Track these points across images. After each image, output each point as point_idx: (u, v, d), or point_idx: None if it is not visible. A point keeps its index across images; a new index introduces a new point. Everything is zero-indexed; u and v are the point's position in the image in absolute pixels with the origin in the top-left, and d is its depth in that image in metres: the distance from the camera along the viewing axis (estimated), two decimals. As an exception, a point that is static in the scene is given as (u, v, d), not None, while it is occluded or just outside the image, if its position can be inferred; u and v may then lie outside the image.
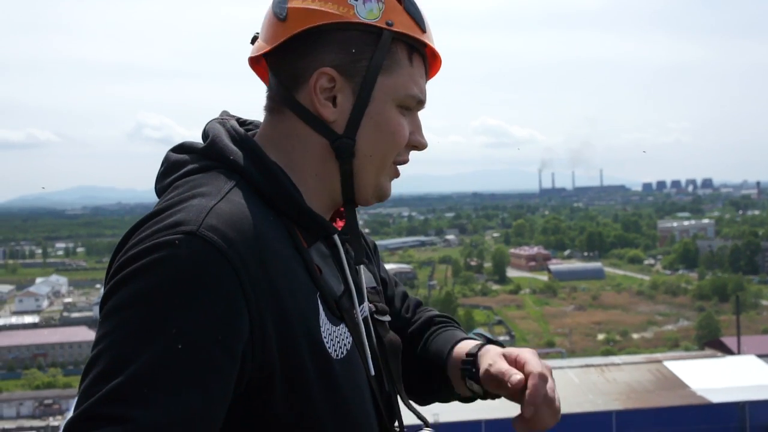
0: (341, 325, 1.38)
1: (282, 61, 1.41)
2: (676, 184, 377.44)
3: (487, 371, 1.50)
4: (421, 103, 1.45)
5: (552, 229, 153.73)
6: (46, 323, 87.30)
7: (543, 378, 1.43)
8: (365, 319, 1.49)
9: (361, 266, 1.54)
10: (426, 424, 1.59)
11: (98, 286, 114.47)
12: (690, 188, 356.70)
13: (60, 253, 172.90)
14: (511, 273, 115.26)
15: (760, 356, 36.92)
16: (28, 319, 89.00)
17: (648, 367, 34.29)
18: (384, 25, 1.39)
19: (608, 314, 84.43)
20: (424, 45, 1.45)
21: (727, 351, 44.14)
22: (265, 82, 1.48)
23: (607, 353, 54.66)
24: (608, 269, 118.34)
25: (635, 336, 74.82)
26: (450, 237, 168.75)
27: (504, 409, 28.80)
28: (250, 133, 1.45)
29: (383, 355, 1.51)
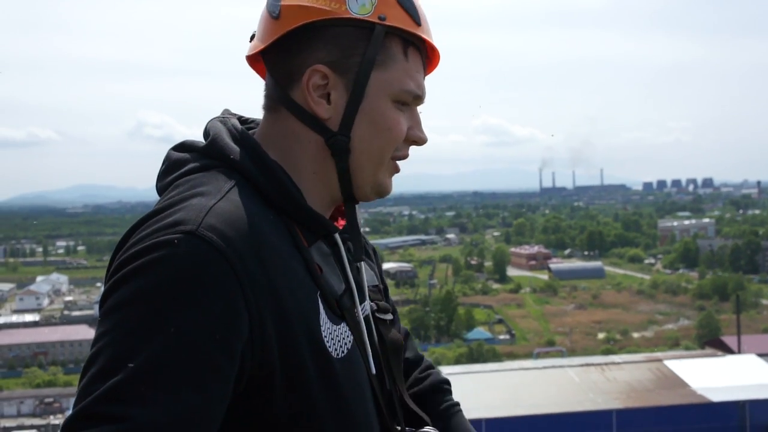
0: (342, 324, 1.37)
1: (276, 59, 1.41)
2: (676, 183, 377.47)
3: None
4: (418, 98, 1.44)
5: (552, 228, 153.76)
6: (46, 321, 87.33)
7: None
8: (366, 318, 1.47)
9: (363, 265, 1.52)
10: (427, 423, 1.59)
11: (99, 284, 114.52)
12: (690, 187, 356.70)
13: (60, 251, 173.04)
14: (512, 272, 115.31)
15: (760, 355, 36.92)
16: (29, 317, 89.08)
17: (648, 366, 34.30)
18: (376, 20, 1.37)
19: (608, 313, 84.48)
20: (420, 39, 1.43)
21: (727, 350, 44.17)
22: (265, 81, 1.48)
23: (608, 352, 54.70)
24: (609, 268, 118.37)
25: (635, 335, 74.86)
26: (450, 236, 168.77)
27: (505, 408, 28.86)
28: (250, 131, 1.45)
29: (384, 354, 1.50)
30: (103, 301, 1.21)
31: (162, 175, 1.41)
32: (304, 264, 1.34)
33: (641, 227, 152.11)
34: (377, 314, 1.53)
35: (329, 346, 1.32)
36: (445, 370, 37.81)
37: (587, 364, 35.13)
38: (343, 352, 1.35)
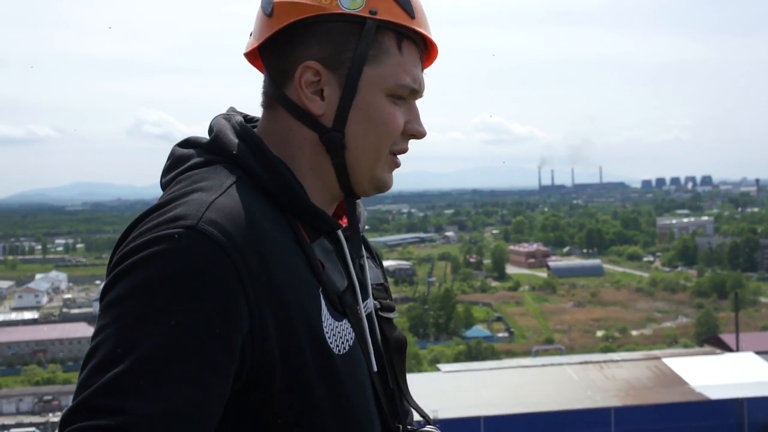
0: (344, 321, 1.37)
1: (271, 56, 1.41)
2: (675, 181, 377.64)
3: None
4: (415, 92, 1.42)
5: (551, 226, 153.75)
6: (45, 319, 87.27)
7: None
8: (369, 315, 1.47)
9: (368, 263, 1.52)
10: (429, 421, 1.58)
11: (98, 282, 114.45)
12: (689, 185, 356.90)
13: (59, 249, 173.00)
14: (511, 270, 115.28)
15: (758, 353, 37.01)
16: (28, 315, 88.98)
17: (647, 364, 34.38)
18: (367, 14, 1.37)
19: (607, 311, 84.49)
20: (415, 32, 1.41)
21: (725, 348, 44.26)
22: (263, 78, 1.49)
23: (606, 350, 54.80)
24: (607, 266, 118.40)
25: (634, 333, 74.88)
26: (449, 234, 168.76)
27: (503, 406, 28.92)
28: (255, 130, 1.45)
29: (387, 351, 1.49)
30: (103, 295, 1.21)
31: (166, 170, 1.42)
32: (306, 260, 1.33)
33: (640, 225, 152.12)
34: (381, 312, 1.52)
35: (330, 342, 1.32)
36: (444, 368, 37.85)
37: (586, 362, 35.21)
38: (344, 348, 1.35)
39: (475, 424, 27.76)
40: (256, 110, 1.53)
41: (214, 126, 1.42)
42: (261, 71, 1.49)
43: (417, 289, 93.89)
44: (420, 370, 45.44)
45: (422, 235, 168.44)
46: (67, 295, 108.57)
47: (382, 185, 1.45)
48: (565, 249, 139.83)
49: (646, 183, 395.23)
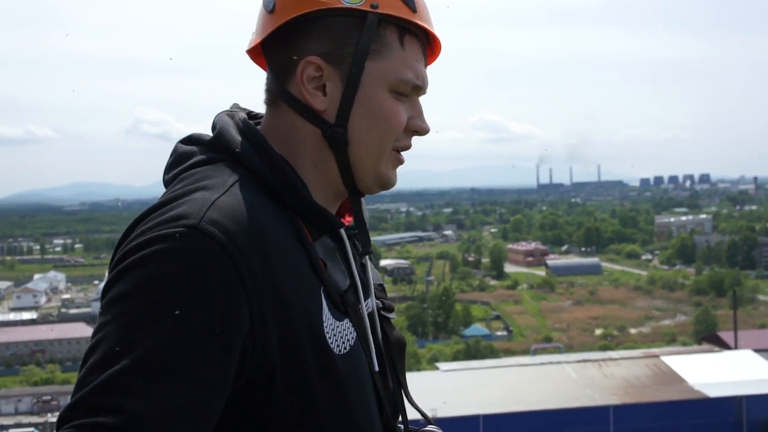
0: (345, 320, 1.36)
1: (273, 52, 1.41)
2: (673, 179, 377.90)
3: None
4: (417, 88, 1.41)
5: (549, 224, 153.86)
6: (44, 319, 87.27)
7: None
8: (371, 315, 1.46)
9: (369, 263, 1.52)
10: (429, 421, 1.58)
11: (96, 282, 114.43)
12: (687, 184, 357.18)
13: (58, 249, 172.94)
14: (509, 268, 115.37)
15: (756, 351, 37.05)
16: (26, 315, 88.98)
17: (645, 362, 34.42)
18: (368, 8, 1.36)
19: (606, 309, 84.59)
20: (417, 26, 1.40)
21: (724, 346, 44.27)
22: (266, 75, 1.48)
23: (605, 348, 54.81)
24: (606, 264, 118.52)
25: (633, 331, 74.98)
26: (448, 232, 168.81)
27: (501, 404, 28.93)
28: (258, 127, 1.44)
29: (388, 351, 1.49)
30: (104, 293, 1.21)
31: (169, 167, 1.41)
32: (308, 259, 1.32)
33: (638, 223, 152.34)
34: (382, 312, 1.52)
35: (331, 342, 1.31)
36: (443, 367, 37.88)
37: (584, 360, 35.23)
38: (345, 348, 1.34)
39: (474, 423, 27.77)
40: (256, 109, 1.53)
41: (217, 123, 1.41)
42: (264, 69, 1.47)
43: (415, 288, 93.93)
44: (419, 369, 45.48)
45: (421, 234, 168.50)
46: (66, 296, 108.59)
47: (386, 182, 1.44)
48: (564, 247, 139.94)
49: (645, 181, 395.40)
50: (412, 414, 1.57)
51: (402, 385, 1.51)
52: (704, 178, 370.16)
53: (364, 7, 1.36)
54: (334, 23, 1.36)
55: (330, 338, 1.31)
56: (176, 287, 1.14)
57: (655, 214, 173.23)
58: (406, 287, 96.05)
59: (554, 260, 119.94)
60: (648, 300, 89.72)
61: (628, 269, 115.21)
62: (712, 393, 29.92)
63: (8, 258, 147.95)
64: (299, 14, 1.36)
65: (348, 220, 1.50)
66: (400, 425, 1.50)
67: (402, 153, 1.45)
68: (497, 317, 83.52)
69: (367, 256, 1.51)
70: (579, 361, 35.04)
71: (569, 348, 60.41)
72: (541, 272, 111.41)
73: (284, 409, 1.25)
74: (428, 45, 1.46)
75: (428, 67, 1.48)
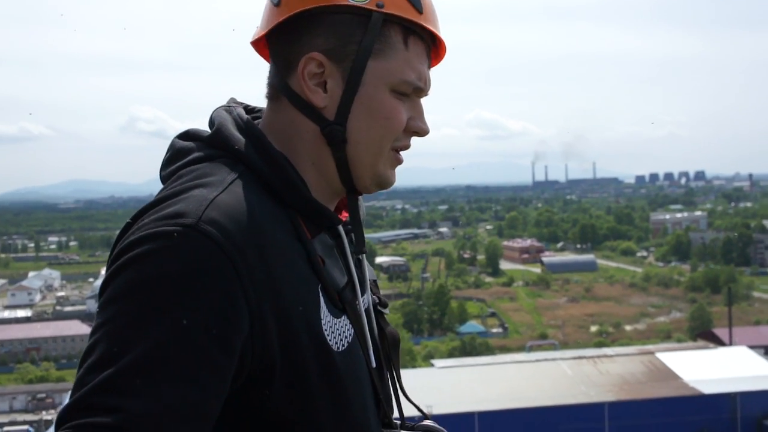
0: (343, 317, 1.36)
1: (277, 46, 1.40)
2: (668, 176, 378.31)
3: None
4: (419, 89, 1.41)
5: (545, 221, 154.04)
6: (38, 317, 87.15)
7: None
8: (367, 311, 1.46)
9: (365, 258, 1.52)
10: (425, 416, 1.58)
11: (91, 279, 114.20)
12: (683, 181, 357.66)
13: (53, 246, 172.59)
14: (504, 265, 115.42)
15: (751, 347, 37.13)
16: (21, 313, 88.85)
17: (640, 359, 34.42)
18: (374, 7, 1.35)
19: (601, 306, 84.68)
20: (422, 28, 1.39)
21: (719, 342, 44.36)
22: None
23: (600, 345, 54.81)
24: (601, 261, 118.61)
25: (628, 328, 75.06)
26: (443, 229, 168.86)
27: (497, 401, 28.92)
28: (256, 121, 1.43)
29: (385, 347, 1.50)
30: (102, 290, 1.20)
31: (166, 163, 1.40)
32: (306, 256, 1.32)
33: (633, 220, 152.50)
34: (378, 307, 1.52)
35: (329, 340, 1.31)
36: (438, 364, 37.85)
37: (580, 357, 35.22)
38: (343, 345, 1.34)
39: (470, 420, 27.76)
40: (253, 105, 1.52)
41: (216, 119, 1.40)
42: (267, 60, 1.47)
43: (411, 285, 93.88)
44: (414, 366, 45.43)
45: (416, 231, 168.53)
46: (60, 293, 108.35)
47: (384, 181, 1.43)
48: (559, 244, 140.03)
49: (640, 178, 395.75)
50: (410, 411, 1.58)
51: (397, 380, 1.52)
52: (699, 175, 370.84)
53: (369, 5, 1.35)
54: (338, 20, 1.35)
55: (328, 335, 1.31)
56: (174, 287, 1.14)
57: (651, 211, 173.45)
58: (402, 284, 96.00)
59: (549, 257, 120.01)
60: (643, 297, 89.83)
61: (623, 266, 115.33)
62: (707, 389, 29.96)
63: (3, 255, 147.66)
64: (304, 9, 1.35)
65: (344, 216, 1.50)
66: (396, 420, 1.51)
67: (400, 152, 1.45)
68: (493, 314, 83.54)
69: (364, 253, 1.51)
70: (574, 358, 35.02)
71: (564, 345, 60.44)
72: (537, 269, 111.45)
73: (283, 407, 1.25)
74: (433, 47, 1.45)
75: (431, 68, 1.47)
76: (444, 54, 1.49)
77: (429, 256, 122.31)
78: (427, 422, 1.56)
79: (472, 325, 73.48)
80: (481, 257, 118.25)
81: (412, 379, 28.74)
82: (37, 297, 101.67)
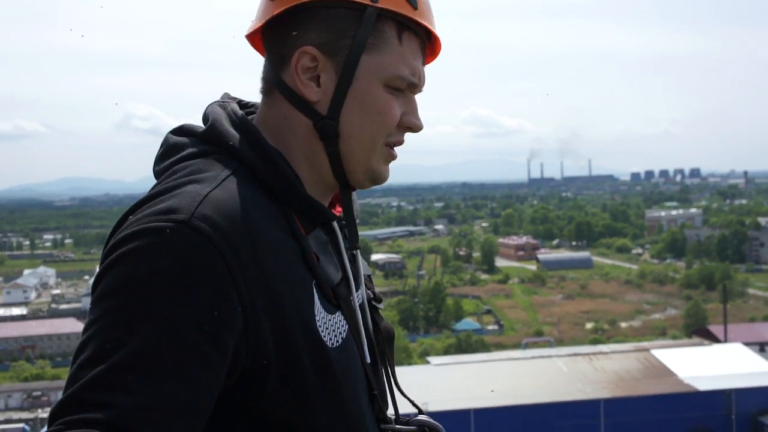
0: (337, 313, 1.36)
1: (271, 40, 1.39)
2: (664, 173, 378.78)
3: None
4: (413, 85, 1.40)
5: (540, 218, 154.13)
6: (34, 315, 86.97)
7: None
8: (362, 307, 1.46)
9: (359, 253, 1.51)
10: (420, 411, 1.57)
11: (86, 277, 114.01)
12: (678, 178, 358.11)
13: (48, 244, 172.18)
14: (500, 262, 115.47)
15: (746, 344, 37.16)
16: (16, 311, 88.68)
17: (636, 356, 34.44)
18: (368, 2, 1.34)
19: (596, 303, 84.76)
20: (417, 23, 1.39)
21: (714, 339, 44.39)
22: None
23: (596, 342, 54.88)
24: (596, 258, 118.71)
25: (623, 325, 75.14)
26: (439, 227, 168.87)
27: (492, 398, 28.93)
28: (250, 117, 1.43)
29: (379, 342, 1.49)
30: (95, 285, 1.20)
31: (159, 158, 1.39)
32: (301, 253, 1.32)
33: (629, 217, 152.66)
34: (373, 302, 1.52)
35: (324, 336, 1.31)
36: (434, 361, 37.85)
37: (575, 354, 35.23)
38: (337, 341, 1.34)
39: (466, 417, 27.77)
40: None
41: (210, 114, 1.39)
42: (262, 55, 1.46)
43: (407, 282, 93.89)
44: (410, 363, 45.45)
45: (412, 228, 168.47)
46: (56, 291, 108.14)
47: (378, 177, 1.42)
48: (555, 242, 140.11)
49: (635, 175, 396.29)
50: (406, 406, 1.58)
51: (392, 375, 1.51)
52: (695, 173, 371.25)
53: (363, 0, 1.34)
54: (332, 14, 1.34)
55: (322, 331, 1.31)
56: (166, 283, 1.14)
57: (646, 209, 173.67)
58: (398, 282, 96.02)
59: (545, 254, 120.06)
60: (638, 294, 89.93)
61: (618, 263, 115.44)
62: (702, 386, 29.99)
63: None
64: (299, 3, 1.35)
65: (338, 211, 1.49)
66: (391, 416, 1.51)
67: (396, 149, 1.44)
68: (488, 311, 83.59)
69: (358, 248, 1.50)
70: (570, 355, 35.02)
71: (560, 342, 60.48)
72: (532, 266, 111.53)
73: (278, 403, 1.25)
74: (428, 43, 1.45)
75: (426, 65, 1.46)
76: (439, 50, 1.48)
77: (425, 254, 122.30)
78: (421, 417, 1.55)
79: (468, 323, 73.47)
80: (476, 254, 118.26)
81: (408, 376, 28.73)
82: (33, 295, 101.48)
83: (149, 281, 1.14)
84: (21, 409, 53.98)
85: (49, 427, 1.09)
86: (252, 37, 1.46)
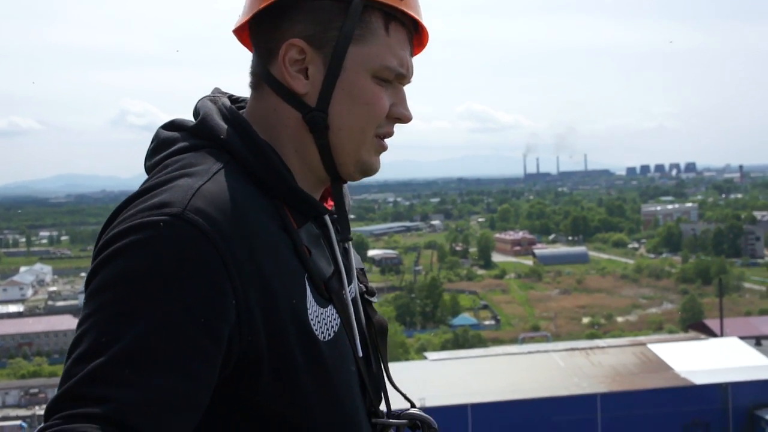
0: (329, 307, 1.36)
1: (258, 33, 1.39)
2: (659, 168, 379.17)
3: None
4: (401, 76, 1.39)
5: (537, 213, 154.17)
6: (30, 312, 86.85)
7: None
8: (354, 300, 1.45)
9: (351, 247, 1.51)
10: (412, 405, 1.57)
11: (83, 274, 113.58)
12: (673, 172, 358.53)
13: (44, 241, 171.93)
14: (497, 258, 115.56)
15: (742, 338, 37.27)
16: (13, 308, 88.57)
17: (632, 350, 34.51)
18: None
19: (593, 298, 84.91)
20: (404, 14, 1.38)
21: (710, 333, 44.48)
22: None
23: (592, 336, 54.99)
24: (593, 253, 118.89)
25: (620, 319, 75.30)
26: (435, 222, 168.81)
27: (490, 393, 28.99)
28: (240, 111, 1.42)
29: (372, 336, 1.49)
30: (88, 281, 1.19)
31: (151, 153, 1.39)
32: (293, 246, 1.32)
33: (625, 212, 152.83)
34: (366, 296, 1.52)
35: (316, 330, 1.31)
36: (431, 357, 37.92)
37: (572, 349, 35.29)
38: (329, 335, 1.33)
39: (463, 412, 27.82)
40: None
41: (201, 109, 1.39)
42: (250, 49, 1.46)
43: (403, 277, 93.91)
44: (407, 359, 45.51)
45: (408, 224, 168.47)
46: (52, 288, 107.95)
47: (368, 168, 1.42)
48: (551, 237, 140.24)
49: (631, 170, 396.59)
50: (400, 401, 1.58)
51: (384, 368, 1.51)
52: (690, 167, 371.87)
53: None
54: (318, 6, 1.34)
55: (314, 325, 1.31)
56: (162, 277, 1.13)
57: (642, 203, 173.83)
58: (394, 277, 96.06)
59: (541, 249, 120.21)
60: (635, 288, 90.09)
61: (614, 258, 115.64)
62: (699, 380, 30.07)
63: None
64: None
65: (330, 204, 1.49)
66: (383, 409, 1.50)
67: (385, 140, 1.44)
68: (485, 306, 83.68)
69: (350, 241, 1.50)
70: (566, 350, 35.09)
71: (557, 337, 60.58)
72: (529, 261, 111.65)
73: (272, 397, 1.25)
74: (416, 34, 1.44)
75: (416, 57, 1.46)
76: (426, 41, 1.47)
77: (421, 249, 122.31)
78: (413, 411, 1.54)
79: (465, 318, 73.58)
80: (473, 250, 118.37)
81: (405, 371, 28.81)
82: (29, 292, 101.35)
83: (145, 275, 1.13)
84: (18, 406, 53.96)
85: (45, 422, 1.08)
86: (239, 32, 1.46)
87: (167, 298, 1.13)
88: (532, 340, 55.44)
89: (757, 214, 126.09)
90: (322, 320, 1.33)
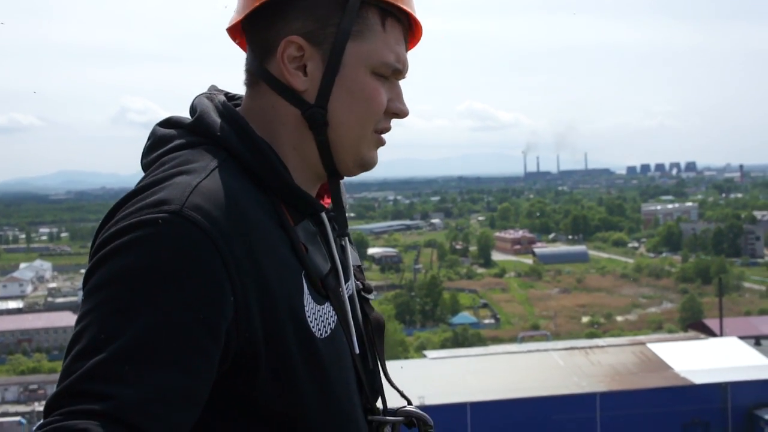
0: (326, 304, 1.36)
1: (254, 31, 1.39)
2: (660, 167, 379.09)
3: None
4: (397, 71, 1.40)
5: (537, 212, 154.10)
6: (30, 309, 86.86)
7: None
8: (351, 297, 1.45)
9: (348, 244, 1.51)
10: (409, 402, 1.57)
11: (82, 271, 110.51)
12: (674, 171, 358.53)
13: (44, 238, 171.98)
14: (496, 256, 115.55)
15: (742, 338, 37.31)
16: (12, 304, 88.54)
17: (632, 350, 34.55)
18: None
19: (593, 297, 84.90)
20: (399, 9, 1.39)
21: (709, 333, 44.51)
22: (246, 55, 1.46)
23: (592, 336, 54.99)
24: (593, 252, 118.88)
25: (619, 318, 75.31)
26: (435, 221, 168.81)
27: (490, 391, 29.01)
28: (237, 108, 1.42)
29: (368, 333, 1.49)
30: (86, 279, 1.19)
31: (147, 151, 1.39)
32: (290, 243, 1.32)
33: (625, 211, 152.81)
34: (363, 293, 1.52)
35: (312, 327, 1.31)
36: (431, 355, 37.95)
37: (571, 348, 35.35)
38: (326, 332, 1.34)
39: (462, 410, 27.84)
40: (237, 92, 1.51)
41: (197, 106, 1.39)
42: (243, 49, 1.46)
43: (403, 276, 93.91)
44: (406, 357, 45.51)
45: (408, 222, 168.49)
46: (52, 284, 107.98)
47: (367, 163, 1.43)
48: (551, 235, 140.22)
49: (631, 169, 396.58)
50: (398, 398, 1.58)
51: (381, 366, 1.51)
52: (690, 166, 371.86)
53: None
54: (316, 3, 1.34)
55: (311, 322, 1.31)
56: (161, 274, 1.13)
57: (642, 202, 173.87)
58: (394, 275, 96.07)
59: (541, 248, 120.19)
60: (634, 288, 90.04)
61: (614, 257, 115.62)
62: (698, 380, 30.11)
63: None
64: None
65: (327, 202, 1.49)
66: (379, 406, 1.50)
67: (383, 135, 1.44)
68: (485, 305, 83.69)
69: (346, 237, 1.51)
70: (566, 349, 35.14)
71: (556, 336, 60.60)
72: (529, 260, 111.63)
73: (269, 393, 1.25)
74: (410, 29, 1.45)
75: (410, 52, 1.47)
76: (420, 37, 1.48)
77: (421, 248, 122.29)
78: (409, 408, 1.55)
79: (465, 316, 73.56)
80: (473, 248, 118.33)
81: (404, 370, 28.80)
82: (29, 288, 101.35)
83: (144, 272, 1.13)
84: (18, 402, 53.98)
85: (44, 419, 1.08)
86: (232, 30, 1.46)
87: (166, 295, 1.13)
88: (531, 339, 55.47)
89: (757, 214, 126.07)
90: (319, 317, 1.33)
